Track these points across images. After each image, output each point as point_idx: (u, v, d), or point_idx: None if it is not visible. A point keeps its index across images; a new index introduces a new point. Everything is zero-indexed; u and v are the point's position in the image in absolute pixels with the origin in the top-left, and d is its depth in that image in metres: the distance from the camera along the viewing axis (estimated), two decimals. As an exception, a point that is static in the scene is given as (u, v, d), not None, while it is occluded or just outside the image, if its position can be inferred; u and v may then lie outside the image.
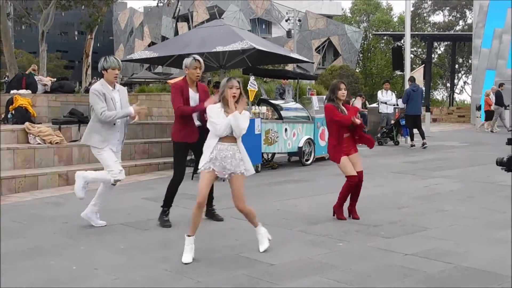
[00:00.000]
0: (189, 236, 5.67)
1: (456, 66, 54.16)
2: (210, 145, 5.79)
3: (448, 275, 5.13)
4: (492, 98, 23.16)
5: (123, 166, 11.73)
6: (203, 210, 6.10)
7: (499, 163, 4.86)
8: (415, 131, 17.21)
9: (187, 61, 7.28)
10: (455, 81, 55.90)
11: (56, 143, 11.63)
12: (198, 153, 6.38)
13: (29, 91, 15.03)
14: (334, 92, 7.38)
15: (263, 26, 62.08)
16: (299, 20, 54.32)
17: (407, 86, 18.29)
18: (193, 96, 7.31)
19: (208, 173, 5.76)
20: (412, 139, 17.29)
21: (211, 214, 7.56)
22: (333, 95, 7.39)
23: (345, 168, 7.35)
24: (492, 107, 23.09)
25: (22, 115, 12.81)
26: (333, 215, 7.45)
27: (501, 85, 23.19)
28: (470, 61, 45.47)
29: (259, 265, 5.46)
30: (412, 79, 17.88)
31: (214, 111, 5.80)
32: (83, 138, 7.48)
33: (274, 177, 11.51)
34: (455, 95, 55.06)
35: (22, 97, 13.61)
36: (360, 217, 7.41)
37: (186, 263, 5.50)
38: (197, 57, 7.34)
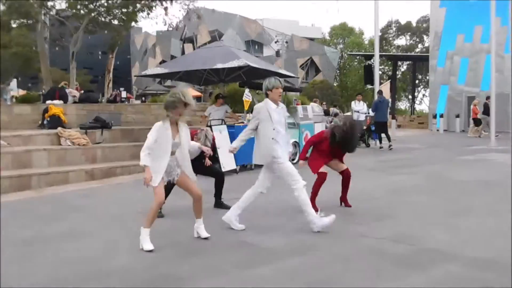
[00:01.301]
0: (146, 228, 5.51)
1: (416, 81, 54.26)
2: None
3: (412, 255, 5.12)
4: (480, 107, 23.29)
5: (132, 165, 11.79)
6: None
7: None
8: (383, 135, 17.26)
9: (275, 81, 6.45)
10: (416, 93, 55.98)
11: (83, 145, 11.59)
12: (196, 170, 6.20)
13: (62, 102, 14.97)
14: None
15: (256, 46, 61.97)
16: (286, 42, 54.36)
17: (376, 97, 18.31)
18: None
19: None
20: (380, 142, 17.35)
21: (219, 204, 7.59)
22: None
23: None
24: (479, 116, 23.17)
25: (56, 122, 12.76)
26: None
27: (488, 98, 23.16)
28: (427, 78, 45.54)
29: (255, 248, 5.44)
30: (380, 92, 17.97)
31: (161, 131, 5.55)
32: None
33: (266, 173, 11.45)
34: (416, 106, 55.11)
35: (55, 106, 13.56)
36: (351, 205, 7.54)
37: (150, 250, 5.34)
38: (279, 78, 6.62)
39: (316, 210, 6.50)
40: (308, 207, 6.07)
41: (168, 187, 6.65)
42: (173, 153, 5.60)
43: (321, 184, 7.35)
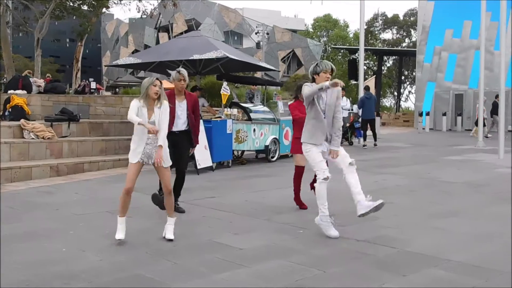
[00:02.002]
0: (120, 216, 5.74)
1: (402, 77, 54.80)
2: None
3: (393, 258, 5.20)
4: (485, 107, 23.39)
5: (109, 160, 11.77)
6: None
7: None
8: (369, 133, 17.43)
9: (172, 74, 7.20)
10: (401, 90, 56.52)
11: (48, 138, 11.47)
12: (174, 155, 6.40)
13: (25, 92, 14.78)
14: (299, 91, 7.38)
15: (235, 37, 61.94)
16: (267, 34, 54.37)
17: (361, 93, 18.46)
18: (180, 105, 7.23)
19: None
20: (364, 140, 17.47)
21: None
22: (299, 93, 7.40)
23: (295, 158, 7.59)
24: (484, 115, 23.27)
25: (18, 113, 12.59)
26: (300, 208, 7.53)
27: (496, 96, 23.27)
28: (414, 74, 45.99)
29: (230, 249, 5.46)
30: (367, 88, 18.23)
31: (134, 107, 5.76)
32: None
33: (243, 172, 11.51)
34: (401, 103, 55.64)
35: (18, 96, 13.37)
36: None
37: (119, 239, 5.59)
38: (182, 70, 7.23)
39: (305, 207, 6.55)
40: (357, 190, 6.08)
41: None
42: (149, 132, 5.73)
43: (298, 176, 7.49)
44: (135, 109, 5.73)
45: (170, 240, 5.76)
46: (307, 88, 6.07)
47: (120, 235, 5.65)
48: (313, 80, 6.23)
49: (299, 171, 7.57)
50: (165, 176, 5.87)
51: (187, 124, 7.29)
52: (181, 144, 7.19)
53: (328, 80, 6.07)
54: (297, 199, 7.55)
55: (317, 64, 6.27)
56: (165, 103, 5.88)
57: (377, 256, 5.25)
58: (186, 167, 7.56)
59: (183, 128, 7.26)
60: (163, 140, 5.77)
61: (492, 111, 22.54)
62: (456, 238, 5.98)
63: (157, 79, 5.84)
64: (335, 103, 6.18)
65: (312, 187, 7.64)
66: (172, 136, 6.78)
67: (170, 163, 5.96)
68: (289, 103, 8.26)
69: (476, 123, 22.49)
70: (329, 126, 6.16)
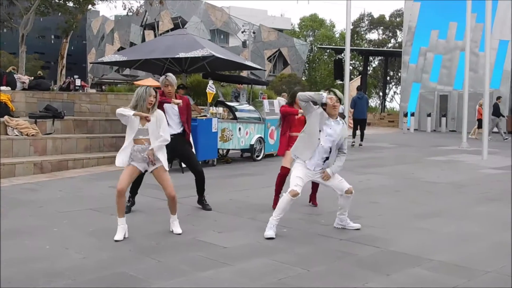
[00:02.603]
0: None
1: (388, 78, 55.08)
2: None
3: (376, 258, 5.24)
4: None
5: (94, 158, 11.71)
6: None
7: None
8: (358, 132, 17.71)
9: (160, 79, 7.17)
10: (387, 91, 56.80)
11: (32, 135, 11.39)
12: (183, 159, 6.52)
13: (9, 88, 14.66)
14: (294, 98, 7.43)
15: (222, 36, 61.86)
16: (254, 32, 54.37)
17: (347, 93, 18.59)
18: (174, 107, 7.21)
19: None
20: (353, 138, 17.67)
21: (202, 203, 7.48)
22: (293, 100, 7.49)
23: (284, 159, 7.50)
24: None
25: (2, 109, 12.47)
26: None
27: (498, 98, 23.25)
28: (399, 74, 46.33)
29: (214, 248, 5.47)
30: (358, 88, 18.63)
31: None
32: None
33: (228, 171, 11.51)
34: (386, 103, 55.88)
35: (2, 93, 13.26)
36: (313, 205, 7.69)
37: (117, 240, 5.60)
38: (169, 75, 7.21)
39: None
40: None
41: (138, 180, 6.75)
42: (140, 142, 5.75)
43: (281, 179, 7.48)
44: (127, 111, 5.72)
45: (179, 234, 5.92)
46: (302, 93, 6.04)
47: (119, 235, 5.67)
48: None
49: (284, 173, 7.48)
50: (166, 180, 5.91)
51: (181, 126, 7.30)
52: (181, 146, 7.22)
53: (335, 108, 5.98)
54: (276, 200, 7.46)
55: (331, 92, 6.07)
56: (160, 112, 5.95)
57: (360, 256, 5.29)
58: (199, 164, 7.65)
59: (178, 131, 7.25)
60: (159, 147, 5.82)
61: (493, 112, 22.42)
62: (440, 238, 6.05)
63: (154, 89, 5.85)
64: (341, 140, 6.10)
65: (311, 200, 7.67)
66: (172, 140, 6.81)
67: (168, 167, 5.99)
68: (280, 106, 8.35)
69: (480, 125, 22.25)
70: (327, 153, 6.06)
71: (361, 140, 17.44)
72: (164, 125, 5.92)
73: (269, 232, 5.92)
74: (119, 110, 5.73)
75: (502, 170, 11.97)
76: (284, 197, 5.96)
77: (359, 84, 26.17)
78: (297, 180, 5.96)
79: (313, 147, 6.01)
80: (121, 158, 5.80)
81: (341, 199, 6.25)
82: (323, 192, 7.69)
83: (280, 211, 5.96)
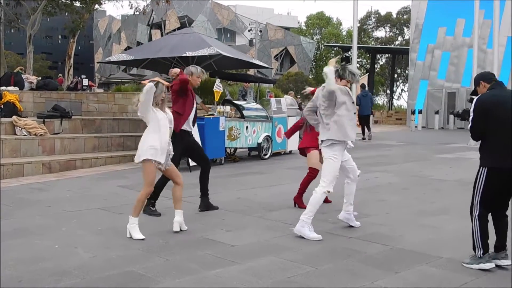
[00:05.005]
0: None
1: (395, 75, 54.92)
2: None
3: (385, 256, 5.24)
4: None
5: (102, 157, 11.75)
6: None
7: (455, 115, 5.29)
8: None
9: (194, 69, 7.02)
10: (394, 88, 56.64)
11: (40, 135, 11.44)
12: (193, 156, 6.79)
13: (17, 88, 14.74)
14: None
15: (228, 35, 61.88)
16: (260, 31, 54.35)
17: (354, 91, 18.96)
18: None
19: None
20: (363, 134, 19.03)
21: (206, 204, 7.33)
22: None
23: (310, 159, 7.46)
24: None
25: (10, 109, 12.55)
26: (294, 206, 7.46)
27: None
28: (407, 72, 46.15)
29: (222, 246, 5.48)
30: (363, 86, 19.42)
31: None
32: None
33: (236, 169, 11.52)
34: (394, 101, 55.75)
35: (10, 93, 13.33)
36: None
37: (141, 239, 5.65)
38: (202, 69, 7.24)
39: (304, 207, 6.45)
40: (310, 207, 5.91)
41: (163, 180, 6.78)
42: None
43: (310, 181, 7.43)
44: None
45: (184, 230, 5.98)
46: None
47: (139, 234, 5.73)
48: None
49: (313, 175, 7.36)
50: (174, 171, 6.07)
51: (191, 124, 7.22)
52: (193, 144, 7.21)
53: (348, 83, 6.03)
54: (299, 198, 7.47)
55: (346, 70, 6.01)
56: (168, 110, 6.11)
57: (369, 253, 5.29)
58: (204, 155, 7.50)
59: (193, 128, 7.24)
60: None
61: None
62: (448, 236, 6.03)
63: (162, 84, 5.88)
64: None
65: (297, 202, 7.56)
66: (186, 137, 6.93)
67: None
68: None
69: None
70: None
71: (363, 134, 18.86)
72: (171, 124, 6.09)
73: (315, 234, 5.81)
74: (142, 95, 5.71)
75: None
76: (321, 196, 5.85)
77: (366, 82, 26.18)
78: (335, 179, 5.89)
79: (354, 123, 5.97)
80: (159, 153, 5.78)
81: (351, 186, 6.34)
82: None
83: (315, 208, 5.86)
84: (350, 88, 6.16)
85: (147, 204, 6.90)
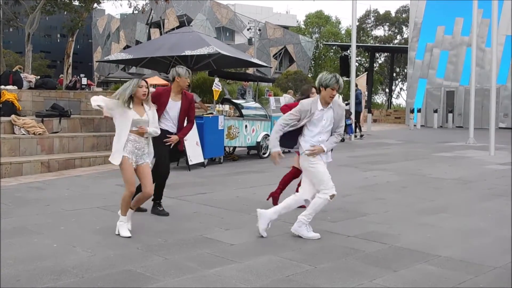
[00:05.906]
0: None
1: (394, 74, 54.95)
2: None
3: (383, 254, 5.24)
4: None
5: (100, 156, 11.74)
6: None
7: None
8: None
9: (180, 70, 6.79)
10: (393, 87, 56.67)
11: (39, 134, 11.43)
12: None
13: (15, 87, 14.71)
14: (305, 94, 7.37)
15: (227, 34, 61.87)
16: (259, 30, 54.34)
17: (353, 90, 19.43)
18: (173, 106, 6.79)
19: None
20: (360, 130, 19.90)
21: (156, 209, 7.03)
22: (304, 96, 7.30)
23: (296, 159, 7.44)
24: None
25: (9, 108, 12.52)
26: (268, 199, 7.37)
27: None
28: (405, 70, 46.17)
29: (221, 245, 5.47)
30: (356, 84, 19.64)
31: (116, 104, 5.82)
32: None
33: (235, 168, 11.52)
34: (393, 99, 55.78)
35: (9, 92, 13.30)
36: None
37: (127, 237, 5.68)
38: (188, 69, 6.99)
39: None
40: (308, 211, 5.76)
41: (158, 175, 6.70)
42: (141, 134, 5.79)
43: (291, 179, 7.44)
44: (109, 102, 5.81)
45: (129, 237, 5.71)
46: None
47: (126, 232, 5.76)
48: (319, 91, 5.70)
49: (296, 173, 7.34)
50: (148, 177, 5.87)
51: (175, 126, 6.89)
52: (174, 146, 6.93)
53: (332, 98, 5.63)
54: (277, 196, 7.37)
55: (329, 78, 5.61)
56: (153, 105, 6.02)
57: (367, 252, 5.29)
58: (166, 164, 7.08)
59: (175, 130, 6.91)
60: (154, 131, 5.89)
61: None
62: (447, 234, 6.03)
63: (143, 80, 5.83)
64: (339, 122, 5.79)
65: (273, 198, 7.42)
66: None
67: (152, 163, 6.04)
68: (293, 101, 8.24)
69: None
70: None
71: (360, 131, 19.55)
72: (156, 119, 6.03)
73: (313, 233, 5.76)
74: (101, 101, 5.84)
75: (509, 165, 11.92)
76: (323, 202, 5.66)
77: (365, 80, 26.24)
78: (330, 181, 5.66)
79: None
80: (119, 156, 5.74)
81: (316, 199, 5.71)
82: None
83: (315, 212, 5.73)
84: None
85: (154, 205, 6.89)
